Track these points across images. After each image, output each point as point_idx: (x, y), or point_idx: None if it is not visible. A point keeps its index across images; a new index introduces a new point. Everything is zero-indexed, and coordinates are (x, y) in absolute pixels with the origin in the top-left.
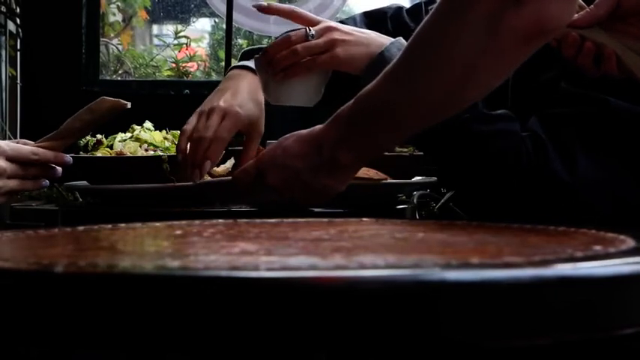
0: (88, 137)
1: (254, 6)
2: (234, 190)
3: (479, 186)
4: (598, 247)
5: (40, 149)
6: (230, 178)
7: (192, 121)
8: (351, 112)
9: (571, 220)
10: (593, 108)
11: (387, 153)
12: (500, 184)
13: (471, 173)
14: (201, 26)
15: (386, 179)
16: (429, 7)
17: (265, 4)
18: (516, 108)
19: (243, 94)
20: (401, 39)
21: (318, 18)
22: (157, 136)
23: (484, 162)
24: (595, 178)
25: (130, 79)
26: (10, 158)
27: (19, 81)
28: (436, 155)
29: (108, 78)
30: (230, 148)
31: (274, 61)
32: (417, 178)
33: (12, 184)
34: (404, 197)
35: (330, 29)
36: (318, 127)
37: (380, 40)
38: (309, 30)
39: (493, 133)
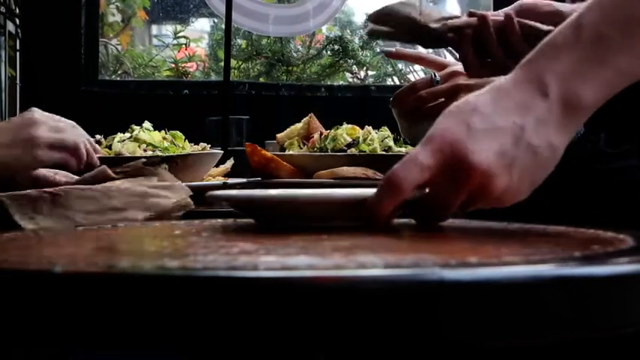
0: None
1: (382, 51)
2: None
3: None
4: (597, 247)
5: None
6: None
7: None
8: (577, 36)
9: None
10: None
11: (384, 153)
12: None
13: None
14: (201, 26)
15: None
16: None
17: (394, 50)
18: None
19: None
20: None
21: (446, 61)
22: (156, 137)
23: (601, 196)
24: None
25: (129, 79)
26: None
27: (18, 81)
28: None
29: (107, 78)
30: (230, 148)
31: (403, 106)
32: None
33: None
34: None
35: (454, 74)
36: (503, 81)
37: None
38: (435, 76)
39: (613, 171)
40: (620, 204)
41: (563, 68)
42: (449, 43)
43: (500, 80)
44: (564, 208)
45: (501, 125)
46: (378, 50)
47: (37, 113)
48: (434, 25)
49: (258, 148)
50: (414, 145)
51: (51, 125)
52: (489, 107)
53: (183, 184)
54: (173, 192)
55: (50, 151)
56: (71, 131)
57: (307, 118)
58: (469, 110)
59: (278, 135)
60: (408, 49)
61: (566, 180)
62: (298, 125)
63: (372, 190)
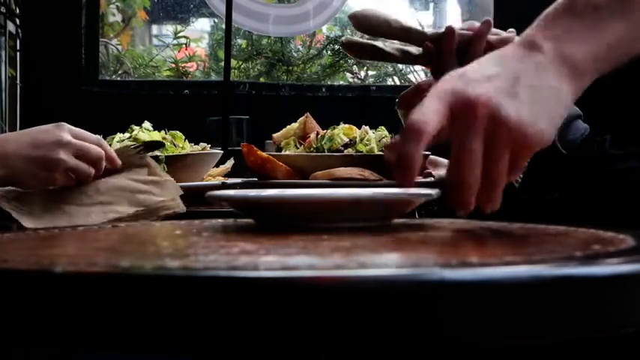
0: None
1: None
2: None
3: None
4: (597, 247)
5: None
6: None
7: None
8: (565, 6)
9: None
10: None
11: (381, 153)
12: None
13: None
14: (201, 26)
15: (381, 180)
16: None
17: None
18: None
19: None
20: None
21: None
22: (156, 137)
23: (605, 197)
24: None
25: (130, 79)
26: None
27: (18, 81)
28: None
29: (107, 78)
30: (230, 148)
31: (408, 107)
32: None
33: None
34: None
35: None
36: (510, 46)
37: None
38: None
39: (617, 172)
40: (624, 205)
41: (555, 33)
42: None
43: (501, 50)
44: (567, 208)
45: (496, 71)
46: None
47: (66, 126)
48: (393, 49)
49: (254, 148)
50: None
51: (76, 133)
52: (482, 64)
53: (183, 184)
54: (164, 190)
55: (74, 157)
56: (96, 143)
57: (303, 117)
58: (460, 72)
59: (274, 135)
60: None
61: (570, 180)
62: (294, 125)
63: (372, 190)
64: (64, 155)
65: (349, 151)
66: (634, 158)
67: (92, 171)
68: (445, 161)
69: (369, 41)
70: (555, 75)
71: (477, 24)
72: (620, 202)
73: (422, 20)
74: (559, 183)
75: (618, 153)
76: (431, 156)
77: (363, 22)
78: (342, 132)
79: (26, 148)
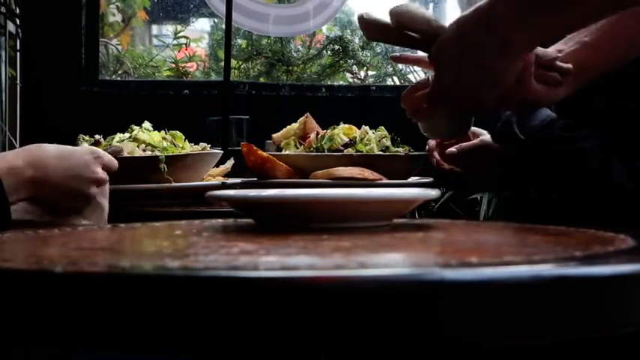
0: (87, 137)
1: (391, 57)
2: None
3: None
4: (597, 247)
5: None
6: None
7: None
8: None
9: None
10: None
11: (381, 153)
12: (571, 195)
13: (543, 186)
14: (201, 26)
15: (381, 179)
16: None
17: (399, 55)
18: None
19: None
20: None
21: None
22: (156, 137)
23: (556, 179)
24: None
25: (130, 79)
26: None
27: (18, 81)
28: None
29: (107, 78)
30: (230, 148)
31: (407, 105)
32: (412, 179)
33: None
34: None
35: None
36: (480, 5)
37: None
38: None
39: (565, 154)
40: (585, 190)
41: (505, 16)
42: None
43: (475, 8)
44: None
45: (454, 46)
46: (378, 50)
47: (100, 156)
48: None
49: (254, 148)
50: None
51: (104, 162)
52: (454, 34)
53: (183, 184)
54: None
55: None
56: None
57: (303, 118)
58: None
59: (274, 135)
60: (411, 54)
61: (522, 163)
62: (294, 125)
63: (372, 190)
64: (95, 190)
65: (349, 151)
66: (586, 140)
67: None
68: (483, 131)
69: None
70: (494, 54)
71: None
72: (581, 187)
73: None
74: (512, 168)
75: (567, 135)
76: (472, 128)
77: (405, 15)
78: (342, 132)
79: (64, 179)
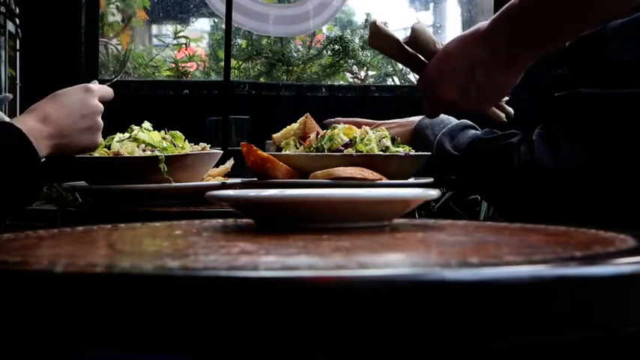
0: None
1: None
2: None
3: (490, 191)
4: (598, 247)
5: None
6: None
7: None
8: (524, 12)
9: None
10: (570, 99)
11: (381, 153)
12: (504, 189)
13: (480, 184)
14: (201, 26)
15: (381, 179)
16: None
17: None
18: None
19: None
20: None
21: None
22: (155, 137)
23: (489, 175)
24: (576, 161)
25: (130, 79)
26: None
27: (18, 81)
28: (455, 171)
29: (107, 78)
30: (230, 148)
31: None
32: (412, 179)
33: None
34: None
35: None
36: (482, 26)
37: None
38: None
39: (491, 152)
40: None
41: (510, 38)
42: None
43: (472, 33)
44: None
45: (459, 69)
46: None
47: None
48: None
49: (254, 148)
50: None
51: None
52: (455, 56)
53: (183, 184)
54: None
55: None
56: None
57: (303, 118)
58: (443, 57)
59: (274, 135)
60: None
61: (460, 173)
62: (294, 125)
63: (372, 190)
64: (100, 120)
65: (349, 151)
66: (513, 136)
67: None
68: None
69: (395, 36)
70: (502, 72)
71: None
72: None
73: (422, 20)
74: (471, 181)
75: (493, 136)
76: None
77: (425, 34)
78: (342, 132)
79: (78, 122)
